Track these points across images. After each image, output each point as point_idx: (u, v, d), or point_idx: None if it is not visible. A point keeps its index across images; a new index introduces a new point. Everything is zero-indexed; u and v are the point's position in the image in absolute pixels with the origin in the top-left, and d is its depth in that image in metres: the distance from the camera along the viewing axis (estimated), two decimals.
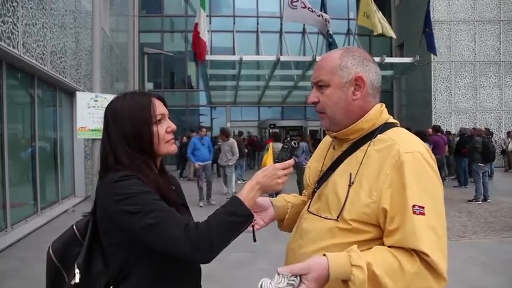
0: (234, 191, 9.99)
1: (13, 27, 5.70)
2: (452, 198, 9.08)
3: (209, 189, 8.64)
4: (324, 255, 1.03)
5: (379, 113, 1.22)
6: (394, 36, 13.38)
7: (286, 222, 1.44)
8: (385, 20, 12.75)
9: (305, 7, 12.53)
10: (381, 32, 12.57)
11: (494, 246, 5.35)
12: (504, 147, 14.49)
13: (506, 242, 5.53)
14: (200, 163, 8.47)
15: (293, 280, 1.00)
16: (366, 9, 12.89)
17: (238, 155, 8.94)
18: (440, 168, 9.00)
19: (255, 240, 1.30)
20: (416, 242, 1.01)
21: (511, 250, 5.16)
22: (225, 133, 8.91)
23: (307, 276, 1.00)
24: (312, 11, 12.79)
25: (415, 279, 1.01)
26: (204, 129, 8.91)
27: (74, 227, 1.30)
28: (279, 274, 1.01)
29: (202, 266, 1.24)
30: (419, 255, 1.01)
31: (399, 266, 1.01)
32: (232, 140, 9.04)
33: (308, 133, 16.83)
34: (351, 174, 1.15)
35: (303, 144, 9.24)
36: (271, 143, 8.67)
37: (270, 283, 1.00)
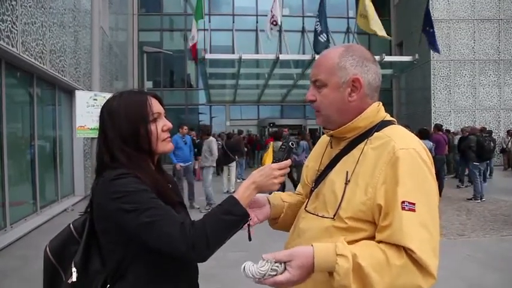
0: (233, 189, 10.00)
1: (12, 26, 5.69)
2: (451, 196, 9.09)
3: (192, 192, 8.14)
4: (312, 245, 1.03)
5: (375, 111, 1.22)
6: (386, 36, 13.14)
7: (281, 221, 1.43)
8: (375, 19, 12.67)
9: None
10: (374, 31, 12.57)
11: (493, 245, 5.35)
12: (504, 145, 14.49)
13: (505, 240, 5.54)
14: (182, 164, 7.86)
15: (277, 266, 1.00)
16: (361, 10, 12.92)
17: (216, 156, 8.18)
18: (440, 167, 9.01)
19: (250, 239, 1.30)
20: (403, 239, 1.00)
21: (510, 248, 5.17)
22: (205, 131, 8.18)
23: (291, 263, 1.00)
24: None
25: (401, 273, 1.00)
26: (185, 127, 8.16)
27: (71, 225, 1.31)
28: (263, 260, 1.01)
29: (200, 264, 1.24)
30: (406, 251, 1.01)
31: (385, 260, 1.00)
32: (211, 139, 8.30)
33: (307, 131, 16.85)
34: (347, 172, 1.15)
35: (303, 142, 9.26)
36: (271, 142, 8.63)
37: (253, 265, 1.01)
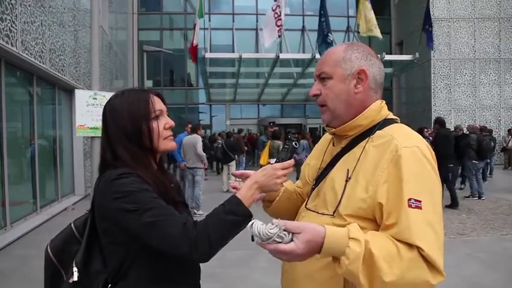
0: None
1: (11, 25, 5.68)
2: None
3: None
4: (324, 226, 1.00)
5: (378, 109, 1.22)
6: (379, 36, 13.02)
7: (275, 204, 1.42)
8: (370, 19, 12.62)
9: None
10: (365, 32, 12.60)
11: (493, 244, 5.35)
12: (504, 144, 14.49)
13: (505, 240, 5.53)
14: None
15: (284, 234, 0.97)
16: (361, 8, 12.91)
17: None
18: None
19: (253, 240, 1.30)
20: (411, 237, 0.99)
21: (510, 247, 5.17)
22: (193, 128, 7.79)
23: (300, 235, 0.97)
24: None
25: (411, 266, 0.97)
26: (190, 125, 7.99)
27: (72, 225, 1.30)
28: (273, 224, 0.98)
29: (201, 264, 1.24)
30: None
31: (397, 251, 0.98)
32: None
33: (307, 130, 16.87)
34: (348, 170, 1.15)
35: (303, 141, 9.28)
36: (269, 141, 8.68)
37: (262, 224, 0.98)
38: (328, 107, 1.23)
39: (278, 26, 12.66)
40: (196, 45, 13.02)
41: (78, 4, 9.61)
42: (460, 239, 5.57)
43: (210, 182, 11.55)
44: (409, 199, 1.02)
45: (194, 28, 13.10)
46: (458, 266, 4.36)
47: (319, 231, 0.97)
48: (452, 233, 5.85)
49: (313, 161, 1.41)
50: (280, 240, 0.96)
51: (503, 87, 16.85)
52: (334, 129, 1.25)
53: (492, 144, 12.56)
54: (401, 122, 1.25)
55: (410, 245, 0.99)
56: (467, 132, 9.86)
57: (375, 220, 1.09)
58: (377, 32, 12.64)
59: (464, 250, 5.01)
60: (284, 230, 0.97)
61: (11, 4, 5.69)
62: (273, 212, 1.44)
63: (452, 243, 5.28)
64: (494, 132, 15.00)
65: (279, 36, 12.80)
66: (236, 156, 10.73)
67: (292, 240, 0.97)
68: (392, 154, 1.08)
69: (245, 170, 11.66)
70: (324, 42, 12.93)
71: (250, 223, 0.99)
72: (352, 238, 0.96)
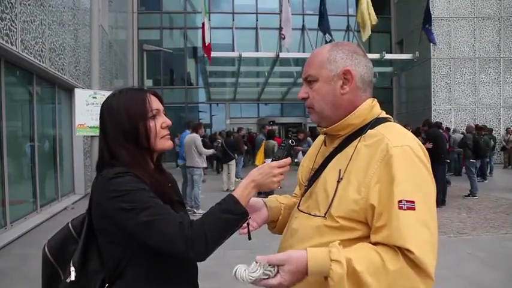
0: (233, 187, 10.01)
1: (11, 24, 5.67)
2: (451, 194, 9.07)
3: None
4: (306, 249, 1.01)
5: (369, 108, 1.20)
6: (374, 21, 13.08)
7: (280, 223, 1.41)
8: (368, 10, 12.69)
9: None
10: (368, 25, 12.65)
11: (493, 243, 5.35)
12: (504, 143, 14.50)
13: (505, 239, 5.53)
14: (186, 162, 7.62)
15: (269, 270, 0.99)
16: (361, 6, 12.94)
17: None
18: None
19: (249, 238, 1.29)
20: (401, 239, 0.98)
21: (511, 246, 5.17)
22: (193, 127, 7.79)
23: (284, 267, 0.99)
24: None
25: (397, 277, 0.97)
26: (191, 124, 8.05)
27: (70, 224, 1.30)
28: (256, 262, 1.00)
29: (199, 263, 1.24)
30: (403, 252, 0.98)
31: (382, 263, 0.98)
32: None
33: (307, 130, 16.86)
34: (340, 170, 1.13)
35: (310, 139, 9.27)
36: (264, 141, 8.70)
37: (245, 270, 0.99)
38: (314, 109, 1.22)
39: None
40: (209, 44, 12.99)
41: (77, 3, 9.60)
42: (460, 238, 5.57)
43: (210, 181, 11.55)
44: (400, 201, 1.01)
45: (203, 27, 13.09)
46: (459, 265, 4.36)
47: (301, 258, 1.00)
48: (452, 232, 5.85)
49: (306, 162, 1.39)
50: (266, 277, 1.00)
51: (503, 86, 16.84)
52: (326, 129, 1.24)
53: (492, 143, 12.60)
54: (401, 121, 1.24)
55: (396, 255, 0.99)
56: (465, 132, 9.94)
57: (367, 223, 1.07)
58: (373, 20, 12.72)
59: (464, 249, 5.00)
60: (268, 265, 1.00)
61: (11, 3, 5.68)
62: (279, 231, 1.43)
63: (453, 242, 5.28)
64: (494, 131, 15.01)
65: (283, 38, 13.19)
66: (236, 155, 10.72)
67: (278, 272, 1.00)
68: (383, 154, 1.06)
69: (243, 169, 11.70)
70: (324, 41, 12.98)
71: (234, 270, 1.01)
72: (333, 260, 0.97)
